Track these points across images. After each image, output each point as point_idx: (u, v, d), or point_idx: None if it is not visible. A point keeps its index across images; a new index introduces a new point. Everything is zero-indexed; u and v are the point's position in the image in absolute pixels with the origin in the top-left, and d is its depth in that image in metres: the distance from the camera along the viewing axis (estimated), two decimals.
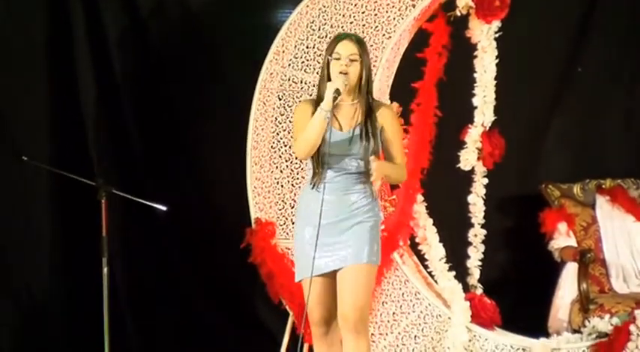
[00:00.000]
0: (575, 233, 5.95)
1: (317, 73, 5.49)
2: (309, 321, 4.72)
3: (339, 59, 4.41)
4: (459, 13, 5.42)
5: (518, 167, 6.21)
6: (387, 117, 4.52)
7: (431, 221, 5.55)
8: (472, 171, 5.53)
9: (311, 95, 5.46)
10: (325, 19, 5.48)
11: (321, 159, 4.45)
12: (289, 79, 5.53)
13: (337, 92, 4.34)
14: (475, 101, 5.48)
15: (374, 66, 5.22)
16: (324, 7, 5.48)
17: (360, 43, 4.46)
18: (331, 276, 4.51)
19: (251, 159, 5.55)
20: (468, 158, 5.48)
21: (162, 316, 6.22)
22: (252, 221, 5.53)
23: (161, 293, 6.24)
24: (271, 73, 5.53)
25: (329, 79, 4.45)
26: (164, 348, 6.18)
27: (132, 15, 6.21)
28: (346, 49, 4.42)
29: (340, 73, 4.41)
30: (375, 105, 4.51)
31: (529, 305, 5.93)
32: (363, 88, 4.47)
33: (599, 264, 5.88)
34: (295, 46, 5.51)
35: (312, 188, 4.48)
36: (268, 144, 5.55)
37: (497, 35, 5.43)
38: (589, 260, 5.57)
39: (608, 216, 6.01)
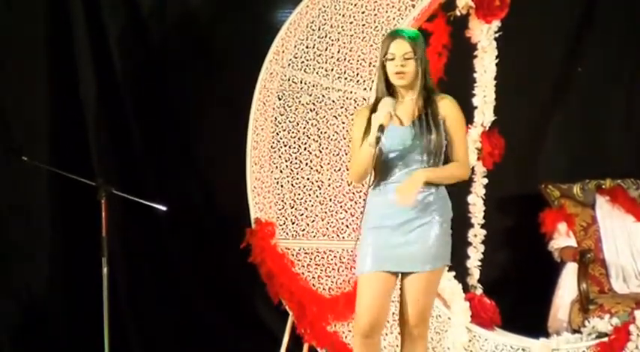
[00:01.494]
0: (575, 233, 5.95)
1: (317, 73, 5.50)
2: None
3: (393, 59, 4.30)
4: (458, 13, 5.43)
5: (518, 167, 6.21)
6: (448, 108, 4.38)
7: None
8: (472, 171, 5.53)
9: (311, 95, 5.47)
10: (325, 19, 5.48)
11: (382, 157, 4.32)
12: (289, 79, 5.53)
13: (381, 128, 4.21)
14: (475, 101, 5.49)
15: (373, 66, 5.22)
16: (324, 7, 5.48)
17: (412, 39, 4.34)
18: (392, 275, 4.35)
19: (251, 159, 5.54)
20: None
21: (162, 316, 6.22)
22: (252, 221, 5.53)
23: (161, 293, 6.24)
24: (271, 73, 5.53)
25: (386, 81, 4.34)
26: (164, 348, 6.18)
27: (132, 14, 6.22)
28: (400, 48, 4.30)
29: (396, 73, 4.29)
30: (435, 96, 4.37)
31: (529, 305, 5.93)
32: (421, 82, 4.35)
33: (599, 264, 5.88)
34: (295, 46, 5.51)
35: (372, 187, 4.35)
36: (268, 144, 5.55)
37: (497, 35, 5.43)
38: (589, 260, 5.57)
39: (608, 216, 6.01)
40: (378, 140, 4.20)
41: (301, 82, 5.52)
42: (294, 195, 5.53)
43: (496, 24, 5.43)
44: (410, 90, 4.36)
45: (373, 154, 4.22)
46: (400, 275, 4.37)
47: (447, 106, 4.38)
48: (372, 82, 5.35)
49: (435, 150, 4.32)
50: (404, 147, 4.32)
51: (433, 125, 4.32)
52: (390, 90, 4.37)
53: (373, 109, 4.34)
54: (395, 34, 4.36)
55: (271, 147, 5.55)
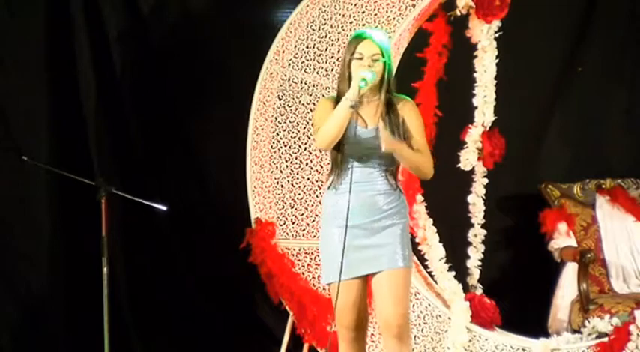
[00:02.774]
0: (575, 233, 5.95)
1: (317, 73, 5.50)
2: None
3: (361, 59, 4.31)
4: (458, 13, 5.42)
5: (518, 167, 6.21)
6: (407, 109, 4.39)
7: (431, 221, 5.55)
8: (472, 171, 5.53)
9: (311, 95, 5.47)
10: (325, 19, 5.48)
11: (345, 157, 4.35)
12: (289, 79, 5.53)
13: (365, 82, 4.23)
14: (475, 101, 5.49)
15: None
16: (324, 7, 5.48)
17: (380, 42, 4.34)
18: (363, 279, 4.38)
19: (251, 159, 5.55)
20: (468, 158, 5.48)
21: (162, 316, 6.22)
22: (252, 221, 5.53)
23: (161, 294, 6.23)
24: (271, 73, 5.53)
25: (350, 80, 4.33)
26: (164, 348, 6.17)
27: (132, 13, 6.21)
28: (368, 49, 4.31)
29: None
30: (395, 99, 4.39)
31: (529, 305, 5.94)
32: (385, 85, 4.36)
33: (599, 264, 5.88)
34: (295, 46, 5.51)
35: (331, 187, 4.37)
36: (268, 144, 5.55)
37: (497, 35, 5.43)
38: (589, 260, 5.57)
39: (608, 216, 6.01)
40: (356, 104, 4.19)
41: (301, 82, 5.52)
42: (294, 195, 5.54)
43: (496, 24, 5.43)
44: (373, 92, 4.37)
45: (348, 114, 4.20)
46: (373, 279, 4.35)
47: (405, 108, 4.39)
48: None
49: (391, 155, 4.32)
50: (366, 149, 4.33)
51: (396, 130, 4.33)
52: None
53: (337, 101, 4.33)
54: (363, 36, 4.36)
55: (271, 147, 5.55)
